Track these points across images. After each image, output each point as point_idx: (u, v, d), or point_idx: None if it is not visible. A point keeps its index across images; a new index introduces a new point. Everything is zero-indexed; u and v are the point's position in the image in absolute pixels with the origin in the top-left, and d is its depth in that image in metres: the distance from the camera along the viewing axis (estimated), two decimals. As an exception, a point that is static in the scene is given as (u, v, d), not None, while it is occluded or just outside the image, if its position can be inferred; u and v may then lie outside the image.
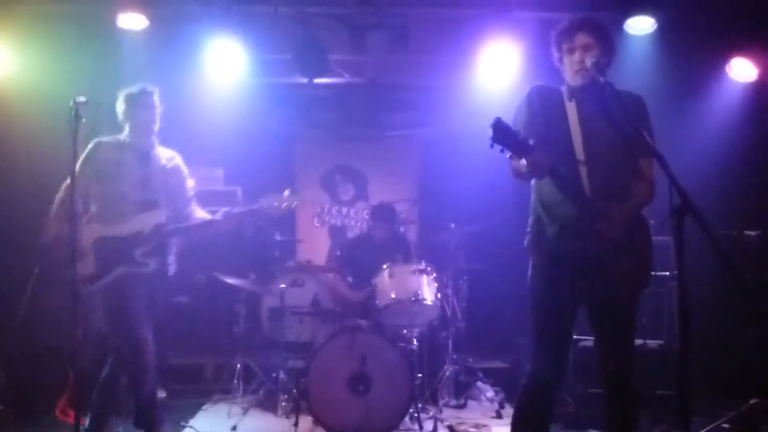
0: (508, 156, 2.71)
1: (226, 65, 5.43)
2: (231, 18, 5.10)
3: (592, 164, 2.95)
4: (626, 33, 5.08)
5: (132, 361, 3.78)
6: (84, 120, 3.40)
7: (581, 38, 2.96)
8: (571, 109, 3.03)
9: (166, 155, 4.06)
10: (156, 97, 3.93)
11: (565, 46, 3.03)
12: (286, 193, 3.97)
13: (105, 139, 3.93)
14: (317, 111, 7.01)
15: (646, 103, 3.06)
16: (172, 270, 4.03)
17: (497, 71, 5.58)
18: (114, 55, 5.18)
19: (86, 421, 3.88)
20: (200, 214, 4.10)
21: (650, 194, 3.01)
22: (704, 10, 5.00)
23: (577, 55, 2.97)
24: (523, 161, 2.70)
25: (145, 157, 3.96)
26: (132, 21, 5.02)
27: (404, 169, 7.24)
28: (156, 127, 3.99)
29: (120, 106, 3.96)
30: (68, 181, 3.87)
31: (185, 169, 4.14)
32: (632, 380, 3.04)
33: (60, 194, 3.90)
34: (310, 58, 5.40)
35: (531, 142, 2.67)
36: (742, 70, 5.41)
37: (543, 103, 3.05)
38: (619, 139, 2.96)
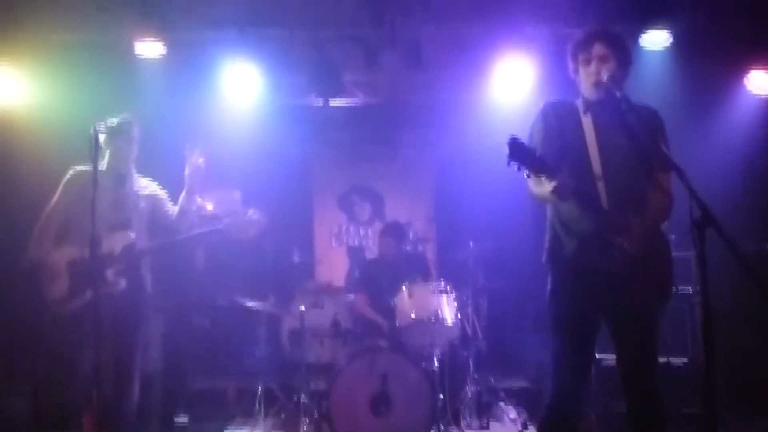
0: (525, 175, 2.70)
1: (242, 88, 5.48)
2: (246, 42, 5.16)
3: (609, 178, 2.92)
4: (642, 47, 5.05)
5: (115, 376, 3.91)
6: (110, 135, 3.49)
7: (598, 49, 2.94)
8: (587, 122, 3.00)
9: (142, 183, 4.19)
10: (134, 128, 4.06)
11: (581, 57, 3.01)
12: (250, 212, 4.13)
13: (82, 167, 4.03)
14: (333, 131, 7.06)
15: (662, 117, 3.02)
16: (149, 287, 4.14)
17: (511, 87, 5.57)
18: (132, 82, 5.24)
19: None
20: None
21: (668, 208, 2.97)
22: (720, 23, 4.97)
23: (593, 66, 2.95)
24: (547, 184, 2.70)
25: (120, 181, 4.07)
26: (149, 48, 5.08)
27: (420, 188, 7.24)
28: (133, 156, 4.11)
29: (101, 136, 4.04)
30: (50, 206, 4.00)
31: (163, 194, 4.26)
32: (657, 398, 2.98)
33: (41, 221, 4.01)
34: (325, 79, 5.44)
35: (547, 159, 2.67)
36: (760, 82, 5.35)
37: (558, 118, 3.03)
38: (636, 152, 2.94)
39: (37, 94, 5.30)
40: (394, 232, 5.58)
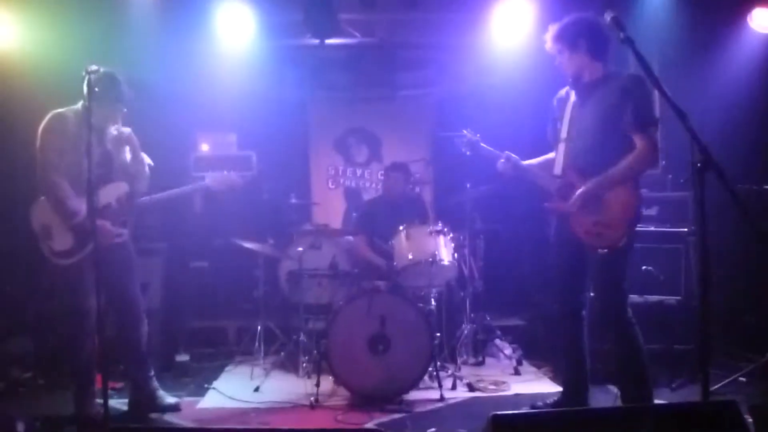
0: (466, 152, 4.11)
1: (236, 29, 5.40)
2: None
3: (569, 142, 3.58)
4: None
5: (124, 318, 4.03)
6: (97, 89, 3.39)
7: (552, 48, 3.59)
8: (571, 98, 3.66)
9: (120, 130, 3.98)
10: (125, 88, 3.89)
11: None
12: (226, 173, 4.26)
13: (63, 111, 3.86)
14: (329, 73, 6.95)
15: (642, 81, 3.35)
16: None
17: (510, 29, 5.49)
18: (124, 21, 5.14)
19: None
20: None
21: (635, 166, 3.36)
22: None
23: (558, 61, 3.61)
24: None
25: (101, 133, 3.90)
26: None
27: (418, 129, 7.19)
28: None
29: (89, 85, 3.87)
30: (48, 152, 3.81)
31: (136, 143, 4.09)
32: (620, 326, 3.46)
33: (49, 164, 3.81)
34: (321, 19, 5.34)
35: (491, 149, 3.96)
36: (763, 20, 5.26)
37: (558, 102, 3.77)
38: (603, 119, 3.44)
39: (30, 37, 5.18)
40: (402, 168, 5.58)
